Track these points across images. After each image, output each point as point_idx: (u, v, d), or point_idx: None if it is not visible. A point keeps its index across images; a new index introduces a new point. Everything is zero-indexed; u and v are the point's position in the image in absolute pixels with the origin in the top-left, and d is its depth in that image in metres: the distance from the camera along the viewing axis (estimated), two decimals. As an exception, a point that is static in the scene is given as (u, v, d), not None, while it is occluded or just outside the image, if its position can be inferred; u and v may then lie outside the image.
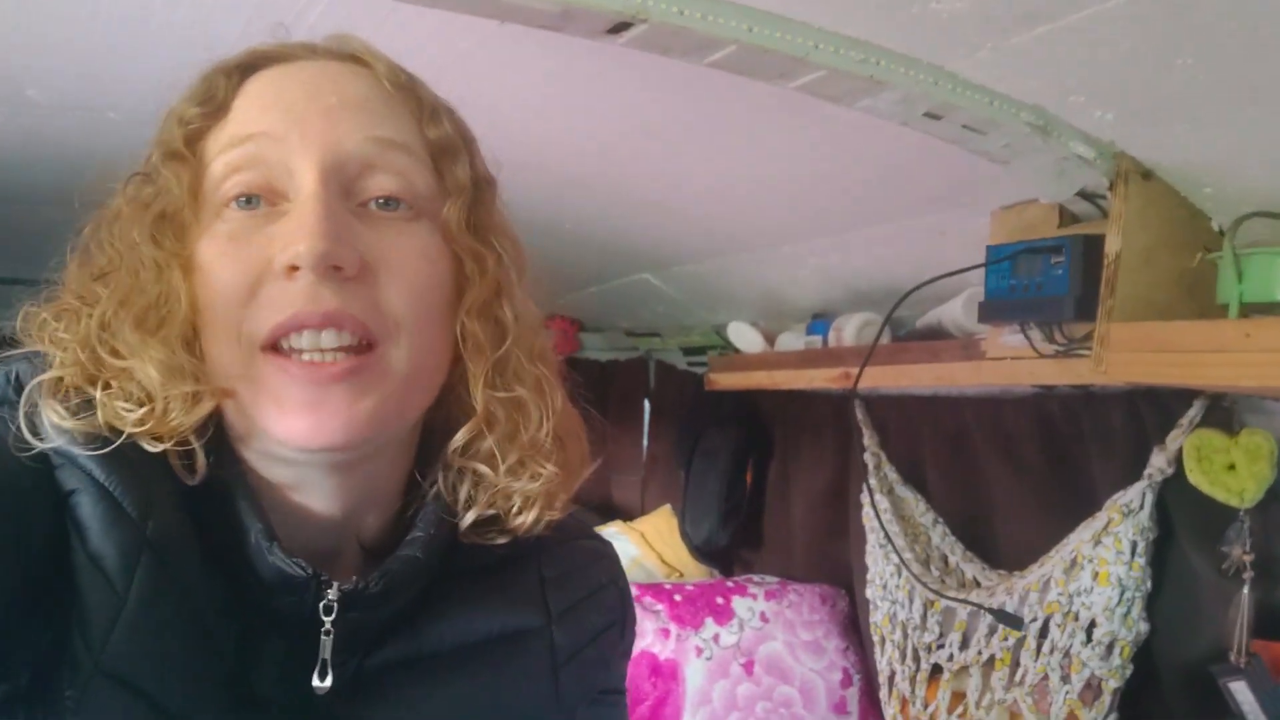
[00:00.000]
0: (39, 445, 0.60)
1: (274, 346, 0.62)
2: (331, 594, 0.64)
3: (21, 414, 0.61)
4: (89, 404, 0.62)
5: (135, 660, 0.57)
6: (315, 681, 0.65)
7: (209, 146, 0.66)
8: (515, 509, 0.73)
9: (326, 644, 0.65)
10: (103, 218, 0.68)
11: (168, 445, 0.62)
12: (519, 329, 0.72)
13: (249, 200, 0.64)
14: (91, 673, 0.56)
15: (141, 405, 0.61)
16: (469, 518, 0.72)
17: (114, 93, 1.20)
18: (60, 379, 0.63)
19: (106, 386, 0.62)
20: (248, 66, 0.68)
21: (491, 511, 0.73)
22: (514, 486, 0.72)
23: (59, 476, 0.60)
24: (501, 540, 0.74)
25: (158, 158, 0.67)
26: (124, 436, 0.61)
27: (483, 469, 0.72)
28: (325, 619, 0.64)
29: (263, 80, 0.68)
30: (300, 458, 0.65)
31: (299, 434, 0.62)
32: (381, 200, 0.66)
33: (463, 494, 0.72)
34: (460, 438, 0.71)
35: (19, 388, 0.63)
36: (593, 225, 1.99)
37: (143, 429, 0.61)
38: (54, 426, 0.60)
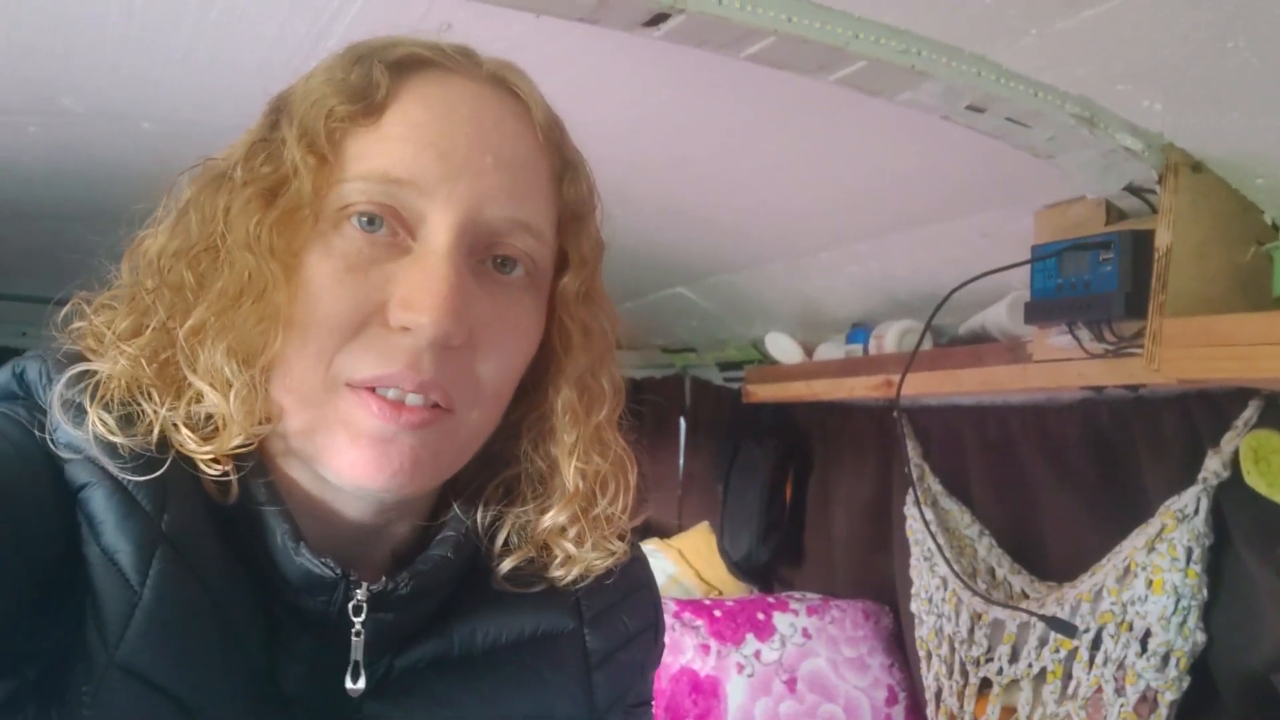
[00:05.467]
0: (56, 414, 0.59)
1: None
2: (360, 594, 0.64)
3: (55, 408, 0.59)
4: (129, 416, 0.60)
5: (152, 654, 0.56)
6: (348, 684, 0.64)
7: (350, 149, 0.63)
8: (559, 561, 0.74)
9: (358, 645, 0.64)
10: (206, 179, 0.66)
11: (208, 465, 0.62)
12: (614, 400, 0.75)
13: (371, 221, 0.62)
14: (107, 667, 0.55)
15: (201, 428, 0.61)
16: (506, 565, 0.73)
17: (147, 100, 1.20)
18: (99, 383, 0.61)
19: (162, 397, 0.61)
20: (406, 65, 0.66)
21: (530, 555, 0.74)
22: (582, 557, 0.74)
23: (70, 471, 0.58)
24: (539, 588, 0.74)
25: (296, 142, 0.63)
26: (169, 459, 0.60)
27: (549, 529, 0.73)
28: (355, 620, 0.64)
29: (422, 96, 0.65)
30: (351, 491, 0.65)
31: (360, 472, 0.62)
32: (500, 259, 0.67)
33: (501, 538, 0.73)
34: (550, 519, 0.73)
35: (23, 384, 0.63)
36: (627, 238, 1.96)
37: (204, 455, 0.61)
38: (98, 439, 0.58)
